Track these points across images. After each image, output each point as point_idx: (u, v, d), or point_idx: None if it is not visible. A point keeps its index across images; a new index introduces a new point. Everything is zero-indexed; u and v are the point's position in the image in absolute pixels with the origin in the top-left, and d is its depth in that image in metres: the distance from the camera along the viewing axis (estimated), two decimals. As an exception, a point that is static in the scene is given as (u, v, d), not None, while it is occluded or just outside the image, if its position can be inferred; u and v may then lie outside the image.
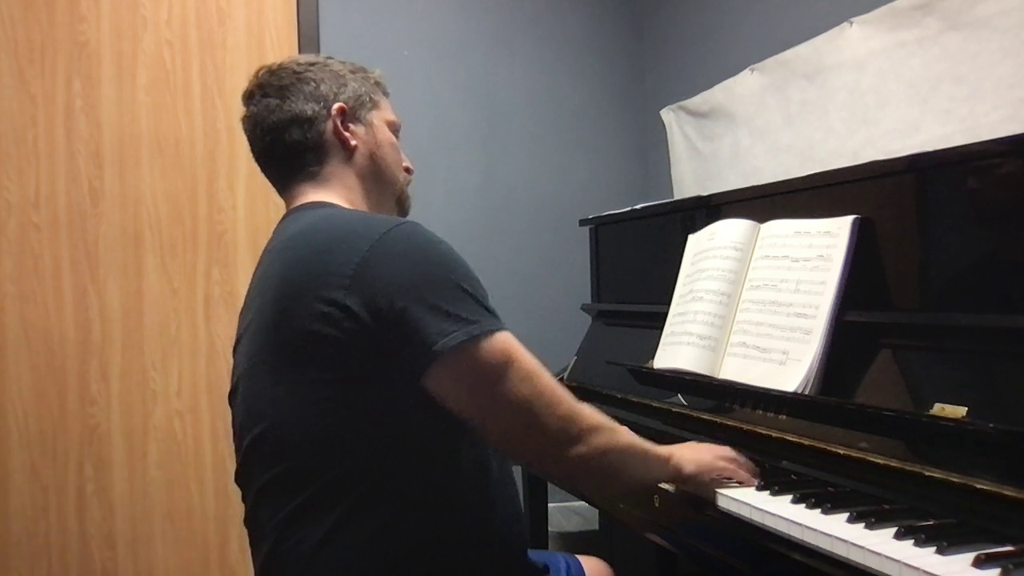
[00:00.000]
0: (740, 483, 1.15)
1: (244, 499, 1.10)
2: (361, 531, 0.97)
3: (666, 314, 1.62)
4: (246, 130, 1.20)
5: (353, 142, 1.18)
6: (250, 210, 2.30)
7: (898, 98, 1.72)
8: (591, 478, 1.12)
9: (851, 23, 1.83)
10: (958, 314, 1.14)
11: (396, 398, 0.97)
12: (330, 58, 1.23)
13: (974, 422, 1.00)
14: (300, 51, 2.34)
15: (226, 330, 2.28)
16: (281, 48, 2.33)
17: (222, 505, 2.27)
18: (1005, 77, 1.50)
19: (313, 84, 1.17)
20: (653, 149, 2.72)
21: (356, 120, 1.20)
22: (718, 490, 1.16)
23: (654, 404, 1.59)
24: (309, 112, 1.16)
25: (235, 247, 2.28)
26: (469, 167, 2.52)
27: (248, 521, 1.09)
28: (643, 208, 1.98)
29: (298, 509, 0.99)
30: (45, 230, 2.12)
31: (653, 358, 1.60)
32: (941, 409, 1.04)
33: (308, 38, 2.35)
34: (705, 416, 1.45)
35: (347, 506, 0.97)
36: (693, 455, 1.16)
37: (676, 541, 1.36)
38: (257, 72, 1.20)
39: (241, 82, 2.26)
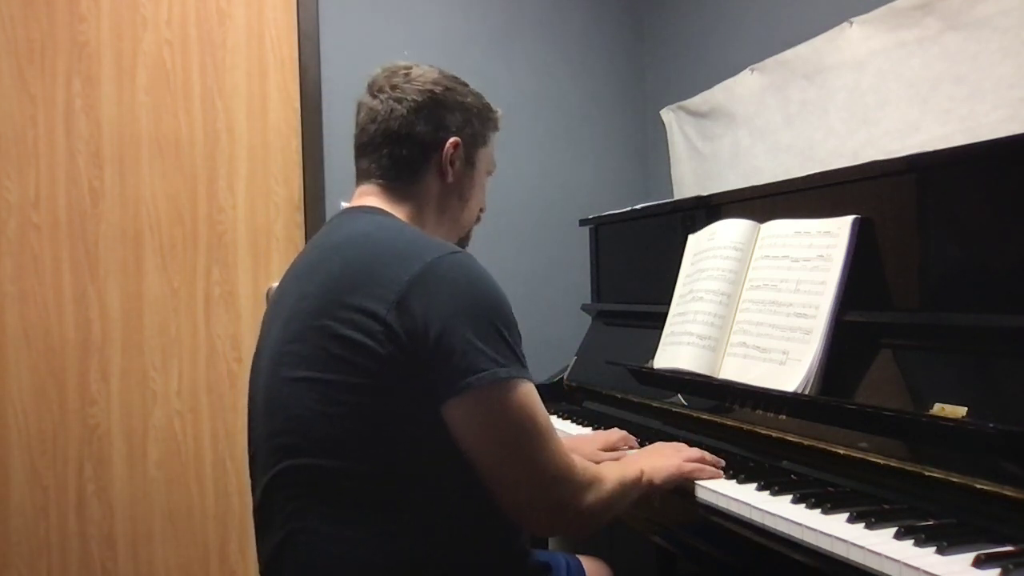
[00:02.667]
0: (709, 478, 1.21)
1: (253, 489, 1.11)
2: (369, 529, 0.98)
3: (666, 314, 1.62)
4: (360, 116, 1.21)
5: (450, 179, 1.19)
6: (250, 210, 2.30)
7: (898, 98, 1.72)
8: (574, 530, 1.15)
9: (851, 23, 1.83)
10: (958, 314, 1.14)
11: (417, 413, 0.99)
12: (466, 85, 1.24)
13: (974, 422, 1.00)
14: (300, 51, 2.34)
15: (226, 330, 2.28)
16: (281, 48, 2.33)
17: (222, 505, 2.27)
18: (1005, 77, 1.50)
19: (442, 110, 1.18)
20: (653, 149, 2.72)
21: (465, 158, 1.21)
22: (716, 490, 1.16)
23: (654, 404, 1.59)
24: (427, 136, 1.17)
25: (235, 247, 2.28)
26: (469, 167, 2.52)
27: (258, 511, 1.09)
28: (643, 208, 1.98)
29: (309, 504, 1.00)
30: (45, 230, 2.12)
31: (653, 358, 1.60)
32: (941, 409, 1.04)
33: (308, 38, 2.35)
34: (705, 416, 1.45)
35: (357, 504, 0.99)
36: (660, 463, 1.20)
37: (676, 541, 1.36)
38: (397, 69, 1.20)
39: (241, 82, 2.29)
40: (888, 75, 1.75)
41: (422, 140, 1.17)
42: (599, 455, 1.37)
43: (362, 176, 1.21)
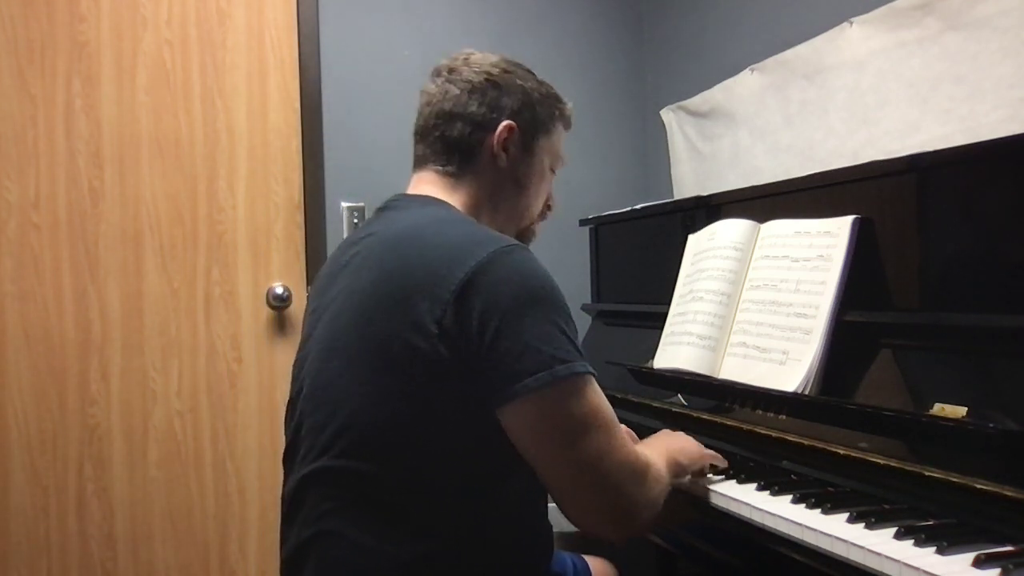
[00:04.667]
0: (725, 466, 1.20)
1: (286, 477, 1.10)
2: (400, 537, 0.96)
3: (666, 314, 1.62)
4: (420, 103, 1.20)
5: (502, 163, 1.16)
6: (250, 210, 2.30)
7: (898, 98, 1.72)
8: (645, 527, 1.06)
9: (851, 23, 1.83)
10: (958, 314, 1.14)
11: (469, 419, 0.97)
12: (530, 72, 1.22)
13: (974, 422, 1.00)
14: (300, 51, 2.34)
15: (226, 330, 2.28)
16: (281, 48, 2.33)
17: (222, 505, 2.27)
18: (1005, 77, 1.50)
19: (498, 92, 1.16)
20: (653, 149, 2.72)
21: (521, 144, 1.18)
22: (716, 490, 1.16)
23: (654, 404, 1.59)
24: (479, 116, 1.15)
25: (235, 247, 2.28)
26: (469, 167, 2.52)
27: (288, 502, 1.07)
28: (643, 208, 1.98)
29: (342, 507, 0.98)
30: (45, 230, 2.12)
31: (653, 358, 1.60)
32: (941, 409, 1.04)
33: (308, 38, 2.35)
34: (705, 416, 1.45)
35: (392, 512, 0.97)
36: (682, 444, 1.18)
37: (676, 541, 1.36)
38: (459, 55, 1.19)
39: (241, 82, 2.29)
40: (888, 75, 1.75)
41: (474, 120, 1.14)
42: None
43: (418, 163, 1.19)
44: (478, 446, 0.98)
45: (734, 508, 1.12)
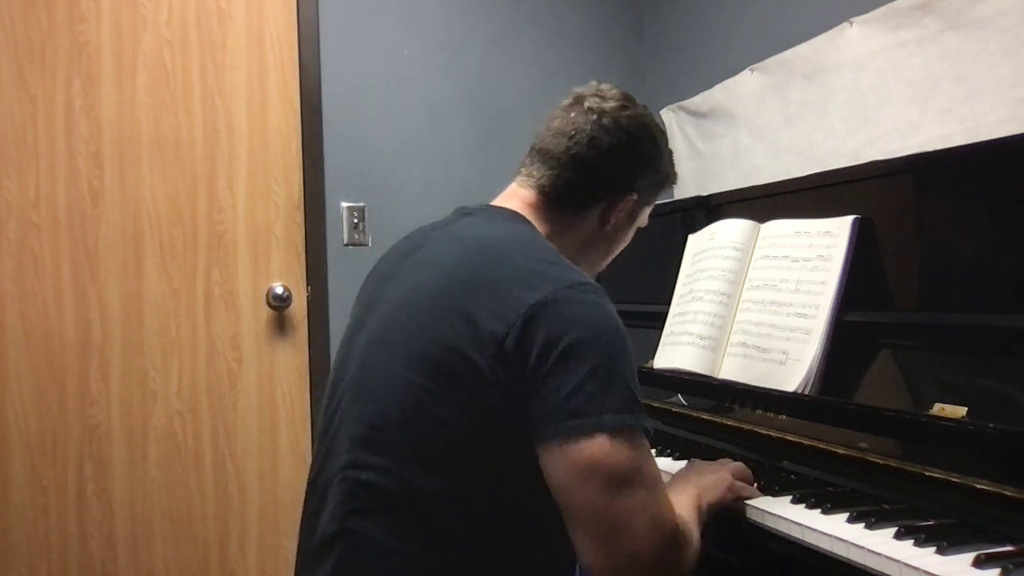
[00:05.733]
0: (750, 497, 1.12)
1: (315, 457, 1.08)
2: (427, 547, 0.95)
3: (666, 314, 1.62)
4: (553, 121, 1.15)
5: (609, 229, 1.15)
6: (250, 210, 2.30)
7: (898, 98, 1.72)
8: None
9: (851, 23, 1.83)
10: (958, 314, 1.14)
11: (511, 442, 0.94)
12: (667, 143, 1.19)
13: (974, 422, 1.00)
14: (300, 51, 2.34)
15: (226, 330, 2.27)
16: (281, 48, 2.33)
17: (222, 505, 2.27)
18: (1005, 77, 1.50)
19: (639, 161, 1.14)
20: (653, 149, 2.72)
21: (630, 214, 1.18)
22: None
23: (654, 404, 1.59)
24: (612, 183, 1.13)
25: (235, 247, 2.28)
26: (469, 167, 2.52)
27: (316, 489, 1.05)
28: (643, 208, 1.98)
29: (372, 509, 0.97)
30: (45, 230, 2.12)
31: (653, 358, 1.60)
32: (941, 409, 1.04)
33: (308, 38, 2.35)
34: (705, 416, 1.45)
35: (421, 521, 0.95)
36: (710, 481, 1.11)
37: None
38: (612, 94, 1.15)
39: (241, 82, 2.29)
40: (888, 75, 1.75)
41: (605, 184, 1.12)
42: None
43: (526, 179, 1.15)
44: (515, 467, 0.95)
45: (734, 508, 1.11)
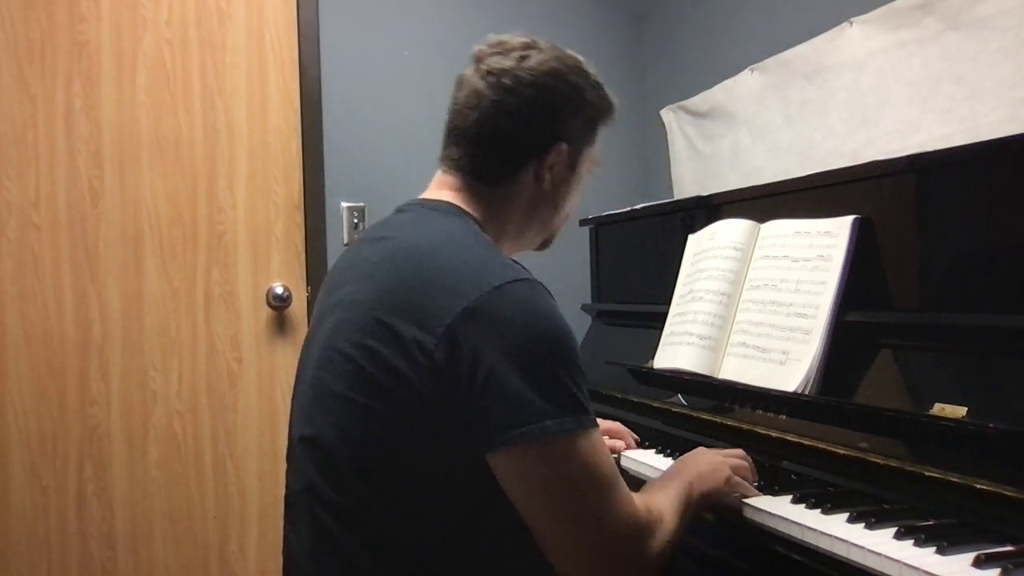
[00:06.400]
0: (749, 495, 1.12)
1: (287, 474, 1.09)
2: (392, 556, 0.93)
3: (666, 314, 1.62)
4: (459, 93, 1.07)
5: (546, 185, 1.08)
6: (250, 210, 2.30)
7: (898, 98, 1.72)
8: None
9: (851, 23, 1.83)
10: (958, 314, 1.14)
11: (455, 453, 0.91)
12: (588, 74, 1.09)
13: (974, 422, 1.00)
14: (300, 51, 2.34)
15: (226, 330, 2.27)
16: (281, 48, 2.33)
17: (222, 505, 2.27)
18: (1005, 77, 1.50)
19: (558, 111, 1.05)
20: (653, 149, 2.72)
21: (568, 164, 1.09)
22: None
23: (654, 404, 1.59)
24: (535, 141, 1.05)
25: (235, 247, 2.28)
26: (469, 167, 2.52)
27: (288, 506, 1.06)
28: (643, 208, 1.98)
29: (336, 521, 0.95)
30: (45, 230, 2.12)
31: (653, 358, 1.60)
32: (941, 409, 1.04)
33: (308, 38, 2.35)
34: (705, 416, 1.45)
35: (382, 530, 0.94)
36: (706, 471, 1.09)
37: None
38: (513, 46, 1.05)
39: (241, 82, 2.28)
40: (888, 75, 1.75)
41: (528, 143, 1.05)
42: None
43: (448, 164, 1.09)
44: (465, 478, 0.92)
45: (733, 508, 1.11)
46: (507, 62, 1.04)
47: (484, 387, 0.87)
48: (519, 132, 1.05)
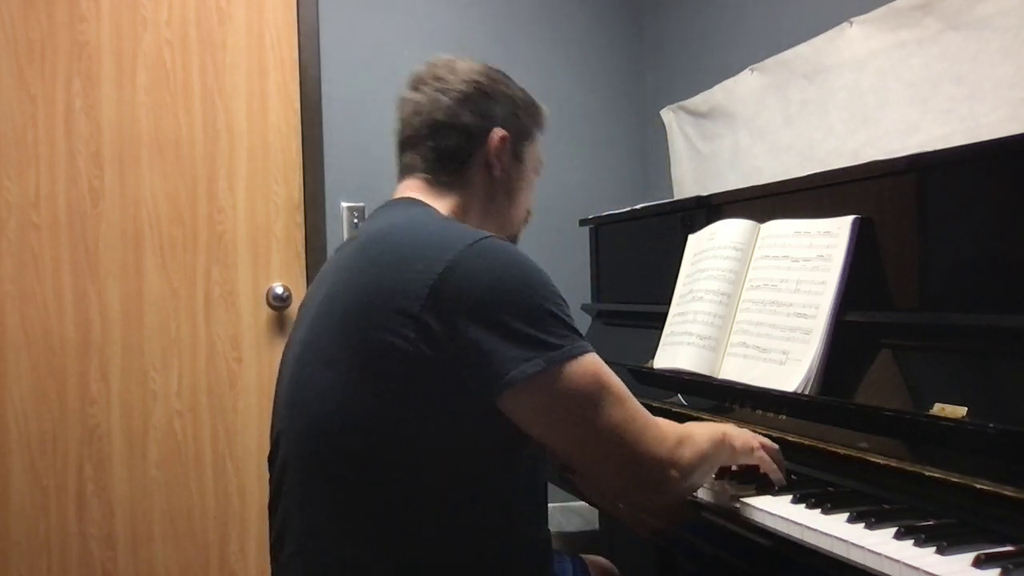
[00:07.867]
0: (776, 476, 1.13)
1: (270, 480, 1.09)
2: (390, 539, 0.95)
3: (666, 314, 1.62)
4: (402, 111, 1.19)
5: (496, 172, 1.17)
6: (250, 210, 2.30)
7: (898, 98, 1.72)
8: (682, 493, 1.06)
9: (851, 23, 1.83)
10: (958, 314, 1.14)
11: (458, 419, 0.94)
12: (510, 80, 1.22)
13: (974, 422, 1.00)
14: (300, 51, 2.34)
15: (226, 330, 2.28)
16: (281, 48, 2.33)
17: (222, 505, 2.27)
18: (1005, 77, 1.50)
19: (488, 101, 1.16)
20: (653, 149, 2.72)
21: (512, 153, 1.18)
22: (716, 489, 1.16)
23: (654, 404, 1.59)
24: (474, 128, 1.14)
25: (235, 247, 2.28)
26: (469, 167, 2.52)
27: (273, 510, 1.07)
28: (643, 208, 1.98)
29: (329, 515, 0.97)
30: (45, 230, 2.12)
31: (653, 358, 1.60)
32: (941, 409, 1.04)
33: (308, 38, 2.35)
34: (705, 416, 1.45)
35: (372, 520, 0.95)
36: (739, 431, 1.13)
37: (675, 540, 1.36)
38: (440, 62, 1.18)
39: (241, 82, 2.29)
40: (888, 75, 1.75)
41: (467, 130, 1.14)
42: None
43: (405, 171, 1.18)
44: (467, 445, 0.95)
45: (733, 508, 1.11)
46: (438, 71, 1.17)
47: (478, 338, 0.91)
48: (458, 123, 1.14)
